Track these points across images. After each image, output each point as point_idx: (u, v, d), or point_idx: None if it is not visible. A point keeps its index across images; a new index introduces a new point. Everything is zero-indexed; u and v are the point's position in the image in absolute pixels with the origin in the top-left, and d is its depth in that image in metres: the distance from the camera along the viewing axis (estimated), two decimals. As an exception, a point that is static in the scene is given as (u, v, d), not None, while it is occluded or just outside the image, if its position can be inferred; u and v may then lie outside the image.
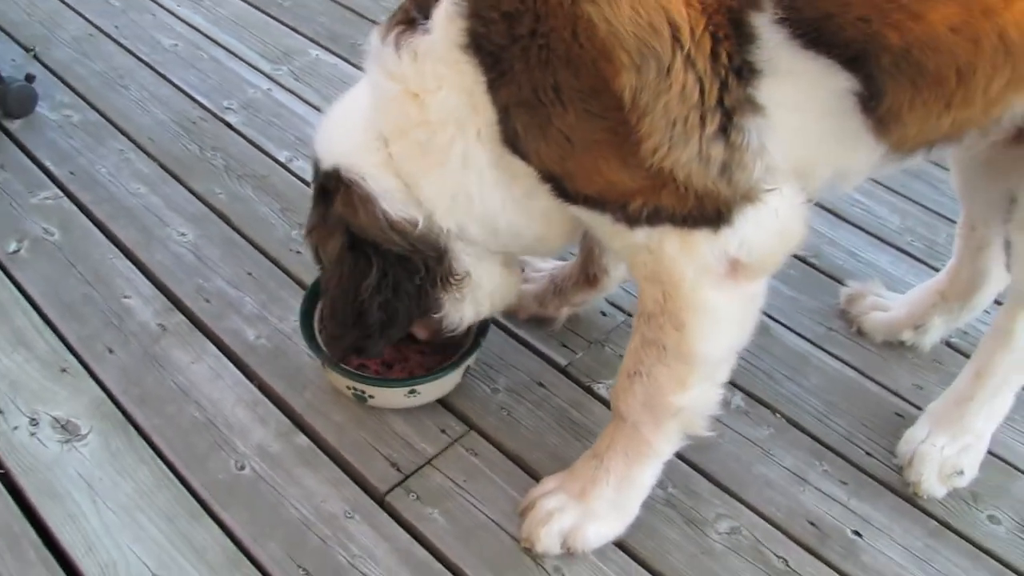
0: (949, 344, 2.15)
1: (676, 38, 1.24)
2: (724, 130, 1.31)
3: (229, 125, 2.63)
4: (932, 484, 1.85)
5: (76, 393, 1.88)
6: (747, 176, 1.36)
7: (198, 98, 2.73)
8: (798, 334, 2.17)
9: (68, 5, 3.10)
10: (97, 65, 2.83)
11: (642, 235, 1.44)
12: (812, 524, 1.79)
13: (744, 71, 1.29)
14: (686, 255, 1.44)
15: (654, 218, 1.41)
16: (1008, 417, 1.98)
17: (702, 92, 1.28)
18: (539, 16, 1.28)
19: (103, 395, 1.88)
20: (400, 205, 1.55)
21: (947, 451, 1.85)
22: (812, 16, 1.24)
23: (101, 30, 2.99)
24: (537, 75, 1.32)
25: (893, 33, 1.25)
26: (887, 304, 2.20)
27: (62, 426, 1.81)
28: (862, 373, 2.10)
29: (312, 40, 2.99)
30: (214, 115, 2.67)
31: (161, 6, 3.14)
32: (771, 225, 1.43)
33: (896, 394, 2.06)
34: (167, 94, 2.74)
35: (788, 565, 1.72)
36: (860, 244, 2.45)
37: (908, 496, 1.86)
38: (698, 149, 1.32)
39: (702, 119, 1.30)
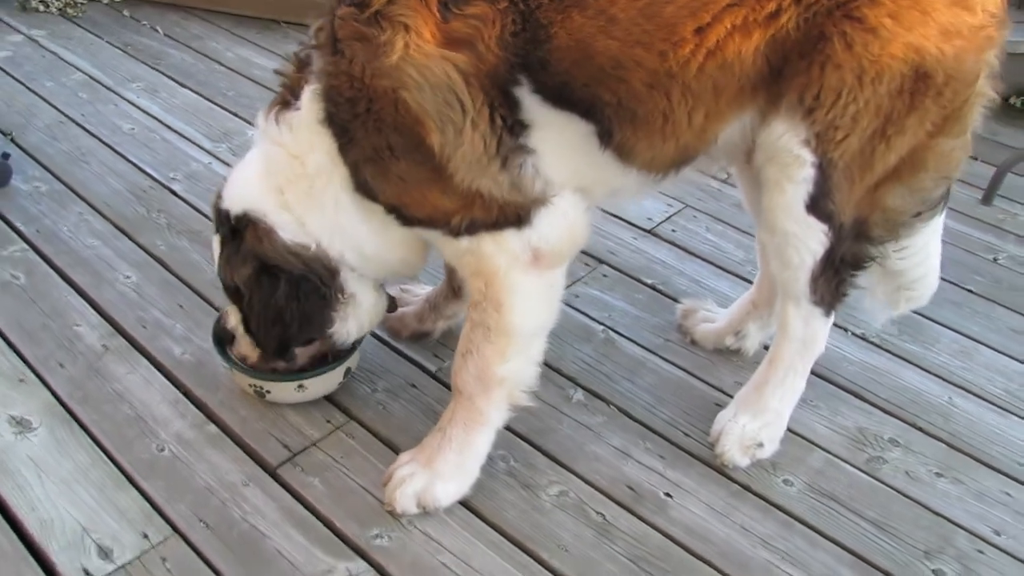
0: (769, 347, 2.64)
1: (463, 109, 1.82)
2: (505, 166, 1.89)
3: (174, 192, 3.23)
4: (735, 454, 2.32)
5: (30, 398, 2.38)
6: (530, 191, 1.93)
7: (148, 171, 3.34)
8: (638, 344, 2.69)
9: (42, 98, 3.77)
10: (64, 146, 3.45)
11: (465, 243, 1.99)
12: (630, 488, 2.27)
13: (516, 126, 1.87)
14: (499, 250, 1.98)
15: (471, 228, 1.96)
16: (812, 403, 2.50)
17: (485, 144, 1.86)
18: (371, 99, 1.84)
19: (53, 399, 2.39)
20: (294, 234, 2.07)
21: (748, 427, 2.33)
22: (552, 85, 1.84)
23: (70, 118, 3.63)
24: (375, 139, 1.88)
25: (607, 93, 1.85)
26: (714, 317, 2.72)
27: (17, 422, 2.31)
28: (690, 373, 2.61)
29: (249, 122, 3.60)
30: (161, 184, 3.27)
31: (123, 98, 3.82)
32: (561, 223, 2.00)
33: (719, 389, 2.56)
34: (123, 169, 3.34)
35: (605, 519, 2.18)
36: (705, 273, 2.99)
37: (717, 466, 2.33)
38: (492, 178, 1.89)
39: (489, 160, 1.87)
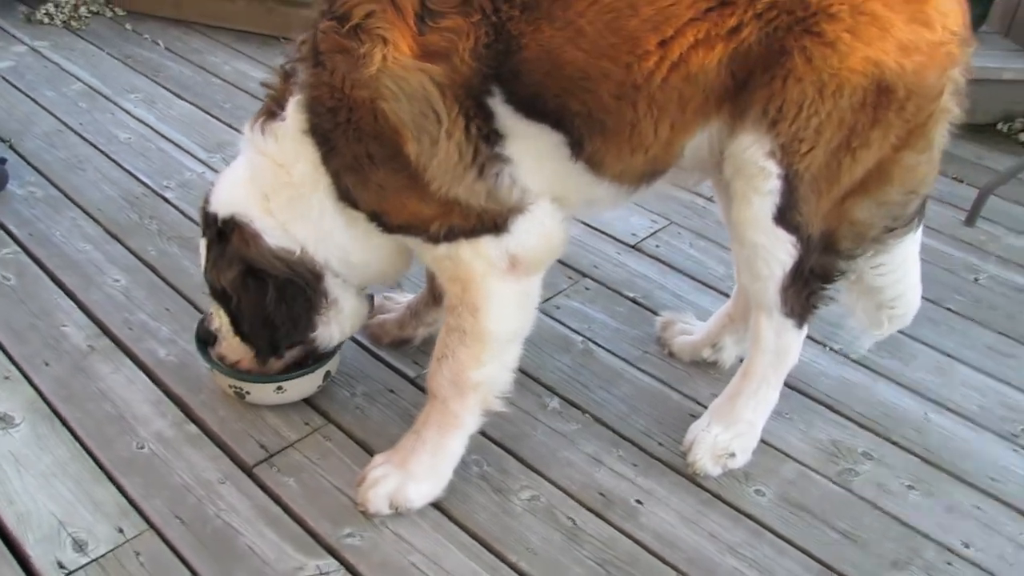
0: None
1: (438, 119, 1.87)
2: (482, 175, 1.94)
3: (166, 199, 3.30)
4: (706, 463, 2.35)
5: (14, 394, 2.43)
6: (507, 200, 1.98)
7: (143, 179, 3.41)
8: (616, 355, 2.73)
9: (42, 107, 3.85)
10: (62, 154, 3.53)
11: (443, 249, 2.04)
12: (601, 494, 2.29)
13: (492, 136, 1.93)
14: (476, 256, 2.03)
15: (449, 235, 2.01)
16: (787, 416, 2.53)
17: (460, 154, 1.91)
18: (351, 108, 1.90)
19: (37, 396, 2.43)
20: (278, 239, 2.13)
21: (721, 437, 2.36)
22: (525, 96, 1.89)
23: (68, 126, 3.72)
24: (355, 147, 1.94)
25: (576, 103, 1.90)
26: (692, 329, 2.75)
27: (1, 418, 2.36)
28: (667, 385, 2.64)
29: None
30: (155, 192, 3.34)
31: (121, 108, 3.90)
32: (538, 231, 2.05)
33: (694, 400, 2.59)
34: (118, 176, 3.42)
35: (575, 523, 2.21)
36: (686, 288, 3.04)
37: (689, 475, 2.36)
38: (469, 187, 1.95)
39: (465, 170, 1.93)
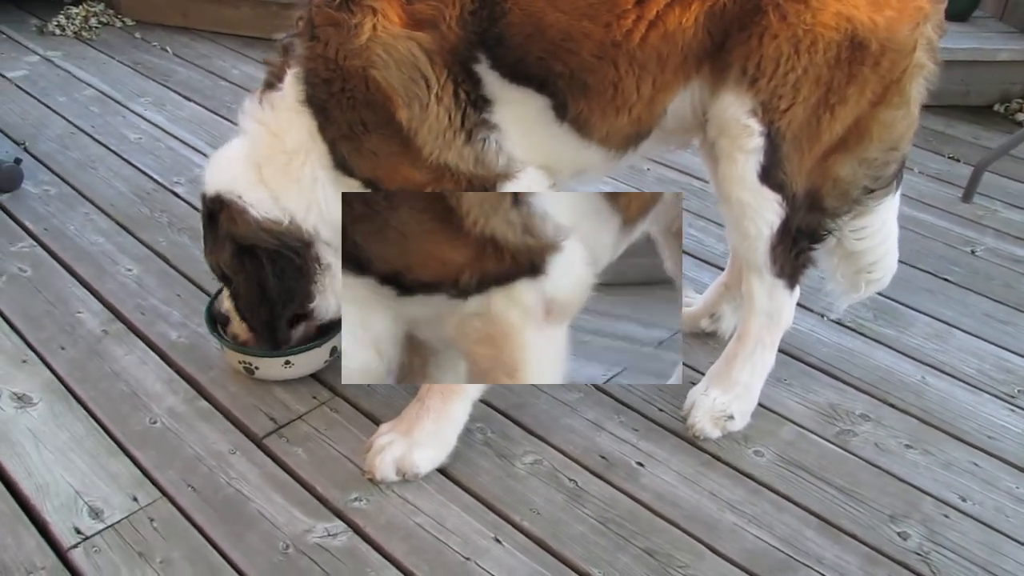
0: (743, 330, 2.73)
1: (428, 85, 1.96)
2: (469, 140, 2.02)
3: (176, 194, 3.40)
4: (705, 425, 2.40)
5: (32, 376, 2.51)
6: (494, 166, 2.05)
7: (153, 175, 3.52)
8: (617, 327, 2.79)
9: (55, 111, 3.98)
10: (74, 154, 3.64)
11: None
12: (603, 457, 2.35)
13: (479, 102, 2.01)
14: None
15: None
16: (786, 382, 2.59)
17: (450, 118, 1.99)
18: (345, 79, 1.99)
19: (53, 377, 2.51)
20: (267, 210, 2.21)
21: (719, 400, 2.41)
22: (509, 61, 1.97)
23: (80, 129, 3.84)
24: (349, 115, 2.03)
25: (560, 65, 1.98)
26: (691, 301, 2.82)
27: (19, 397, 2.44)
28: (667, 355, 2.70)
29: (252, 131, 3.79)
30: (165, 187, 3.44)
31: (131, 110, 4.02)
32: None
33: (694, 369, 2.64)
34: (129, 174, 3.52)
35: (577, 485, 2.27)
36: (686, 265, 3.09)
37: (689, 438, 2.41)
38: (457, 152, 2.02)
39: (454, 134, 2.01)
